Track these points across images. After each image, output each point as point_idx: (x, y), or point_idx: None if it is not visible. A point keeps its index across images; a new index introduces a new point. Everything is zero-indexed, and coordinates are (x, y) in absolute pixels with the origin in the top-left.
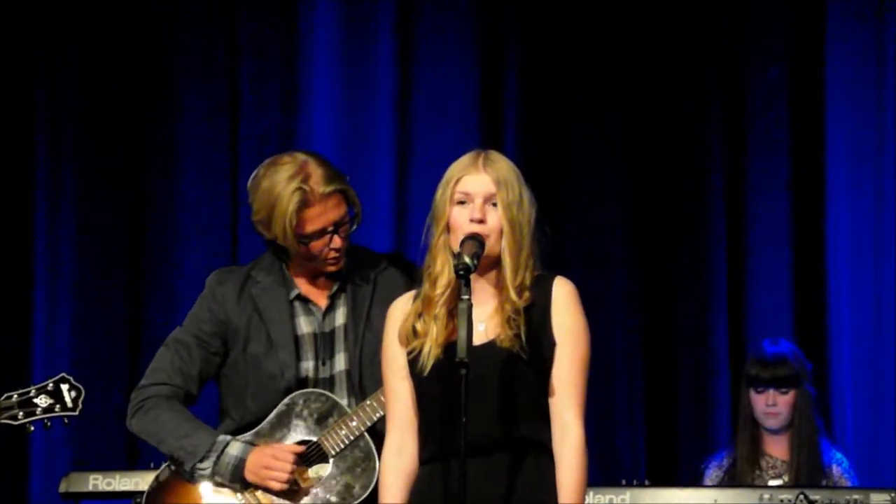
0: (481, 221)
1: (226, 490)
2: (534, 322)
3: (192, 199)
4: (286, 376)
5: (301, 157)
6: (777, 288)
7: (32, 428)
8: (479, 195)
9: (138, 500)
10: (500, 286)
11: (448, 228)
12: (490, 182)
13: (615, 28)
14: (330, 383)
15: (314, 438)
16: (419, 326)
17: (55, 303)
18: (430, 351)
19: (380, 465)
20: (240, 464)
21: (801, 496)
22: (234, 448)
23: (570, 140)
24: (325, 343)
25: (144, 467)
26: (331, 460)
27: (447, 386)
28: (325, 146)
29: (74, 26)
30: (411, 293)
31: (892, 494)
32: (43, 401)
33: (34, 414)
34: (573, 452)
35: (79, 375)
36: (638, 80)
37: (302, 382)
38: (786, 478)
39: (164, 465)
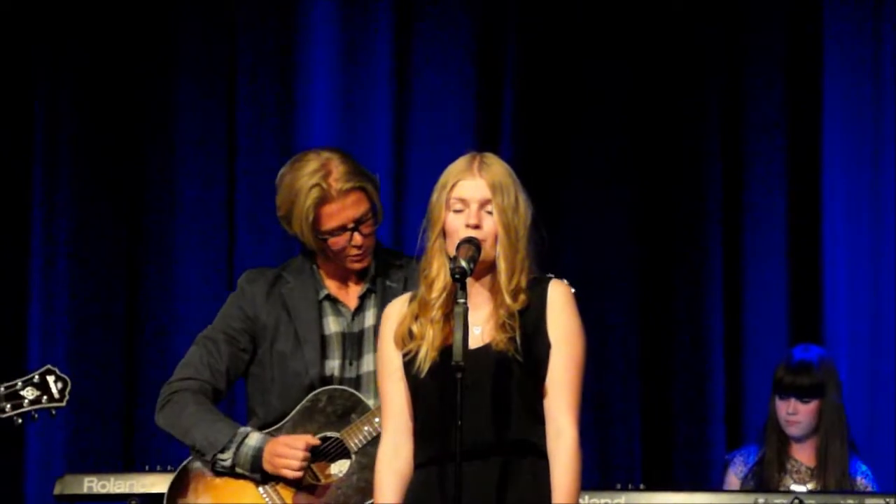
0: (477, 227)
1: (247, 482)
2: (529, 325)
3: (189, 200)
4: (311, 374)
5: (326, 154)
6: (773, 291)
7: (20, 421)
8: (474, 200)
9: (133, 501)
10: (495, 290)
11: (444, 233)
12: (485, 187)
13: (614, 30)
14: (356, 383)
15: (337, 434)
16: (416, 329)
17: (51, 305)
18: (427, 354)
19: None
20: (258, 454)
21: (796, 501)
22: (253, 439)
23: (567, 142)
24: (353, 343)
25: (139, 469)
26: (353, 456)
27: (443, 389)
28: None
29: (72, 24)
30: (407, 295)
31: (888, 499)
32: (30, 393)
33: (21, 406)
34: (567, 455)
35: (75, 378)
36: (636, 83)
37: (326, 381)
38: (811, 485)
39: (188, 458)
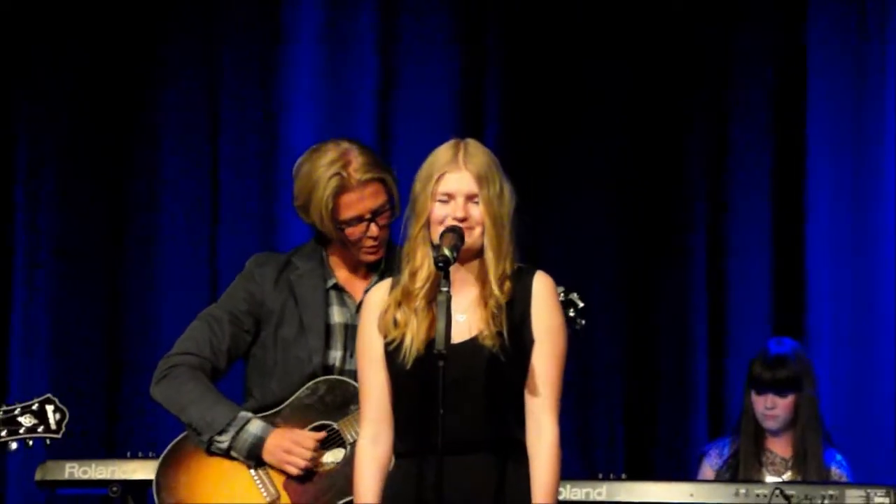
0: (464, 220)
1: (240, 465)
2: (515, 318)
3: (172, 190)
4: (313, 362)
5: (345, 144)
6: (757, 283)
7: (15, 446)
8: (460, 193)
9: (114, 488)
10: (480, 278)
11: (429, 224)
12: (471, 180)
13: (597, 20)
14: (356, 376)
15: (334, 424)
16: (399, 317)
17: (34, 291)
18: (412, 344)
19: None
20: (258, 442)
21: (777, 491)
22: (255, 426)
23: (550, 131)
24: (355, 336)
25: (121, 456)
26: (347, 447)
27: (427, 379)
28: (304, 137)
29: (58, 21)
30: (388, 282)
31: (868, 490)
32: (27, 420)
33: (17, 433)
34: (548, 452)
35: (57, 363)
36: (620, 75)
37: (328, 370)
38: (786, 476)
39: (182, 434)
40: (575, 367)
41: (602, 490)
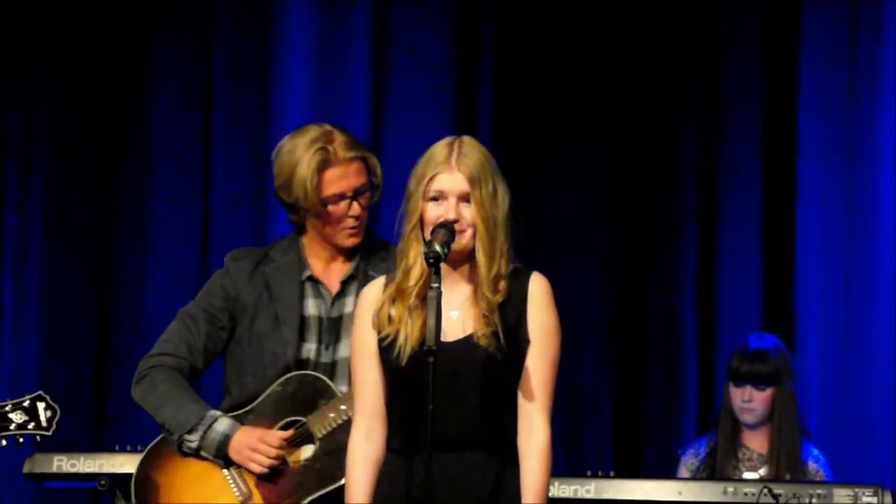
0: (456, 221)
1: (213, 465)
2: (510, 319)
3: (163, 186)
4: (287, 355)
5: (326, 126)
6: (746, 280)
7: (4, 443)
8: (452, 193)
9: (102, 481)
10: (474, 280)
11: (422, 224)
12: (463, 180)
13: (591, 15)
14: (332, 368)
15: (303, 420)
16: (393, 313)
17: (23, 283)
18: (406, 343)
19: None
20: (225, 440)
21: (765, 490)
22: (222, 424)
23: (543, 129)
24: (330, 328)
25: (109, 449)
26: (316, 442)
27: (421, 377)
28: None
29: (50, 15)
30: (382, 279)
31: (856, 489)
32: (18, 417)
33: (7, 429)
34: (539, 453)
35: (46, 356)
36: (614, 74)
37: (302, 364)
38: (762, 471)
39: (160, 436)
40: (563, 365)
41: (590, 487)
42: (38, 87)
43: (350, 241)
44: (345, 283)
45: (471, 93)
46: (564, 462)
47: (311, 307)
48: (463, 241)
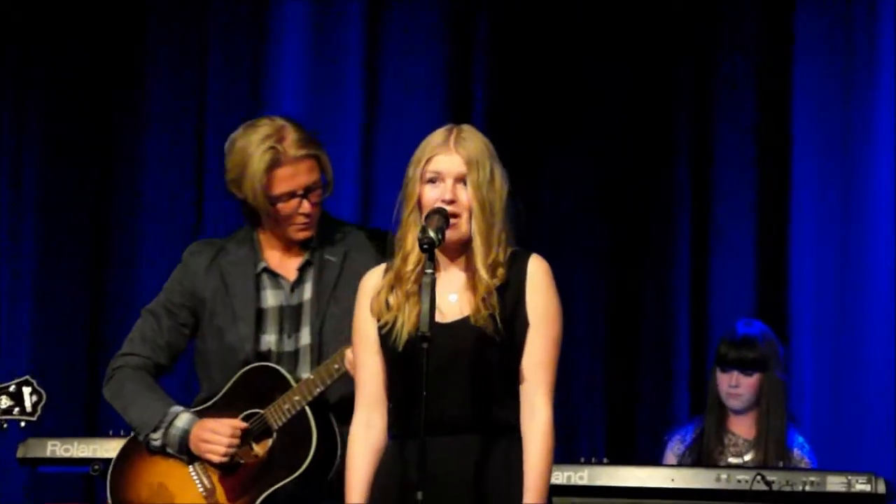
0: (452, 202)
1: (178, 462)
2: (508, 301)
3: (157, 176)
4: (245, 349)
5: (279, 121)
6: (740, 271)
7: None
8: (449, 175)
9: (96, 466)
10: (471, 263)
11: (419, 207)
12: (461, 162)
13: (587, 10)
14: (294, 357)
15: (261, 412)
16: (392, 300)
17: (19, 266)
18: (403, 327)
19: (316, 440)
20: (185, 435)
21: (758, 477)
22: (182, 420)
23: (537, 118)
24: (291, 316)
25: (103, 434)
26: (274, 434)
27: (418, 362)
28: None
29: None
30: (382, 266)
31: (849, 476)
32: (3, 402)
33: None
34: (541, 436)
35: (38, 343)
36: (607, 67)
37: (262, 356)
38: (747, 457)
39: (130, 435)
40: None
41: (584, 474)
42: (33, 83)
43: (301, 236)
44: (301, 271)
45: (465, 89)
46: (558, 449)
47: (270, 298)
48: (460, 224)
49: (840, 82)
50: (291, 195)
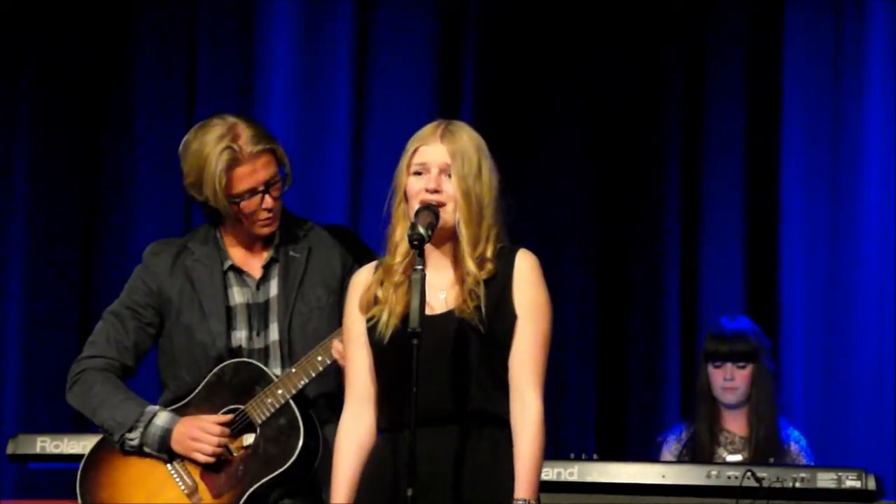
0: (436, 191)
1: (156, 461)
2: (495, 295)
3: (148, 170)
4: (217, 346)
5: (230, 119)
6: (730, 266)
7: None
8: (434, 165)
9: None
10: (458, 256)
11: (406, 198)
12: (445, 153)
13: (575, 8)
14: (265, 353)
15: (242, 407)
16: (380, 294)
17: (6, 266)
18: (389, 320)
19: (303, 434)
20: (166, 434)
21: (749, 473)
22: (161, 419)
23: (526, 122)
24: (259, 313)
25: (93, 430)
26: (257, 429)
27: (404, 355)
28: (280, 122)
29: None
30: (373, 263)
31: (839, 473)
32: None
33: None
34: (532, 428)
35: (28, 338)
36: (597, 54)
37: (234, 352)
38: (744, 454)
39: (98, 438)
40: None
41: (573, 470)
42: (22, 78)
43: (266, 231)
44: (266, 268)
45: (455, 85)
46: (548, 445)
47: (237, 295)
48: (445, 215)
49: (829, 78)
50: (253, 192)
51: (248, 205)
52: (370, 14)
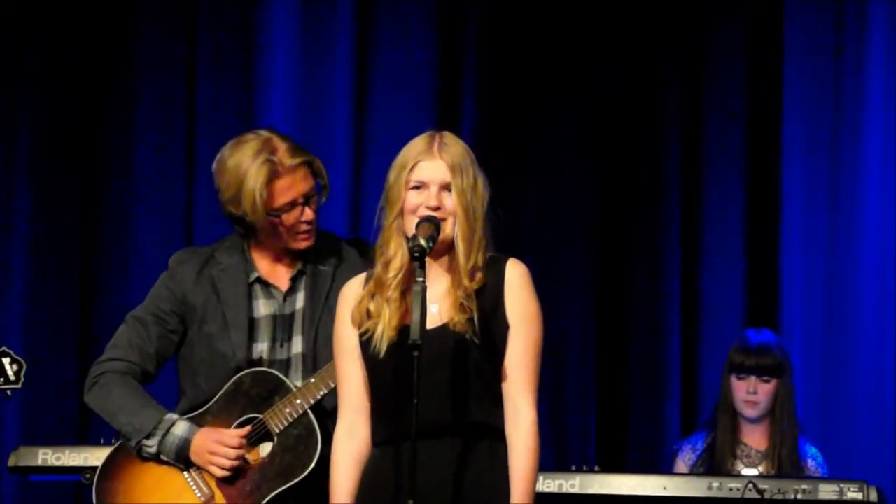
0: (437, 208)
1: (173, 469)
2: (486, 305)
3: (148, 178)
4: (237, 357)
5: (264, 133)
6: (730, 275)
7: None
8: (434, 182)
9: (87, 475)
10: (452, 269)
11: (402, 213)
12: (445, 168)
13: (575, 9)
14: (286, 365)
15: (260, 416)
16: (372, 308)
17: (7, 274)
18: (384, 333)
19: (321, 444)
20: (185, 444)
21: (750, 485)
22: (180, 428)
23: (527, 124)
24: (284, 325)
25: (94, 442)
26: (275, 438)
27: (400, 368)
28: (280, 125)
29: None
30: (362, 276)
31: (841, 485)
32: None
33: None
34: (526, 437)
35: (29, 349)
36: (597, 54)
37: (254, 364)
38: (761, 468)
39: (116, 442)
40: (547, 359)
41: (575, 482)
42: (22, 75)
43: (305, 244)
44: (294, 280)
45: (455, 87)
46: (549, 457)
47: (262, 308)
48: (445, 230)
49: (829, 85)
50: (293, 204)
51: (288, 217)
52: (370, 14)
